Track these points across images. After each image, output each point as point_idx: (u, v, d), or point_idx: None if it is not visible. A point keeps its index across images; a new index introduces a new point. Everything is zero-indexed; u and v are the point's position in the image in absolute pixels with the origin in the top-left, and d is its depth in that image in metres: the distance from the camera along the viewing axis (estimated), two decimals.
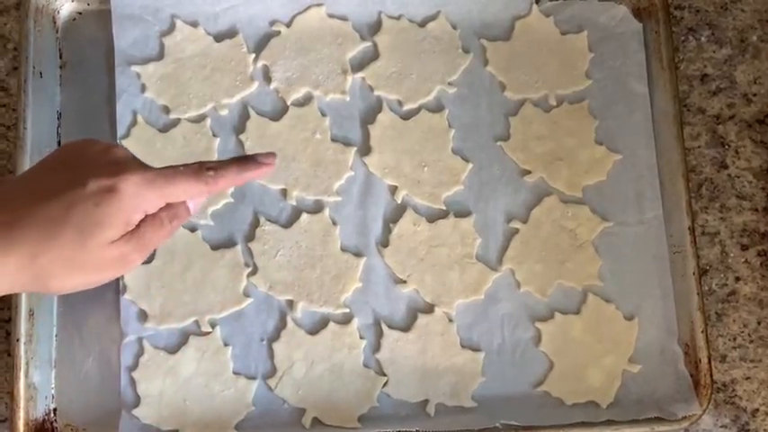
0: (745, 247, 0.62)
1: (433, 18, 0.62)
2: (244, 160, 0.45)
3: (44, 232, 0.40)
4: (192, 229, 0.58)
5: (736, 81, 0.65)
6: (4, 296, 0.56)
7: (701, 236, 0.62)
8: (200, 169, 0.44)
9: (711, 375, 0.58)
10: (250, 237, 0.58)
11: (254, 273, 0.57)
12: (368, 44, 0.62)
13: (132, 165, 0.43)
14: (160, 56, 0.60)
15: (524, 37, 0.63)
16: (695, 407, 0.57)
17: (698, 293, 0.58)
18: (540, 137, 0.61)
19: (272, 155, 0.46)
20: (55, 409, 0.55)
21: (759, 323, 0.61)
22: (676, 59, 0.63)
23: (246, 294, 0.57)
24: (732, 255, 0.62)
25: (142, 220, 0.43)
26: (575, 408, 0.57)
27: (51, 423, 0.55)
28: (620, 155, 0.61)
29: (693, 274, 0.59)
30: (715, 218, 0.63)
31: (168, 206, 0.44)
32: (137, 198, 0.42)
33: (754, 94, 0.65)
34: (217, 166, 0.44)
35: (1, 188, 0.44)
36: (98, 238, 0.41)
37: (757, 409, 0.60)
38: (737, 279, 0.62)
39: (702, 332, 0.58)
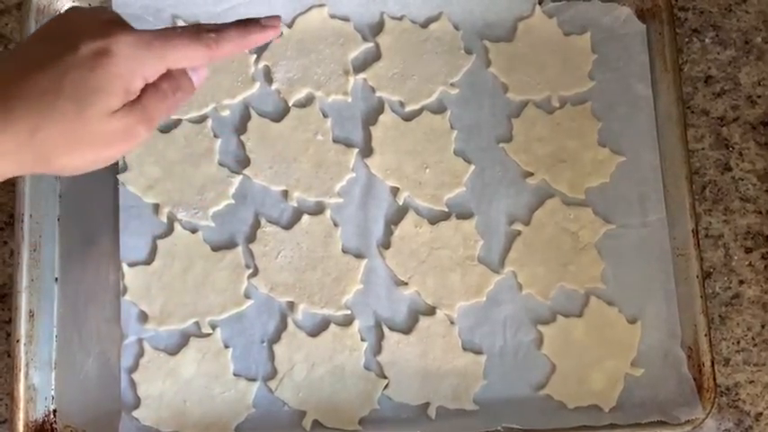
0: (749, 250, 0.62)
1: (435, 19, 0.62)
2: (246, 22, 0.42)
3: (39, 104, 0.38)
4: (193, 231, 0.58)
5: (741, 83, 0.64)
6: (5, 293, 0.56)
7: (704, 238, 0.61)
8: (200, 30, 0.41)
9: (715, 379, 0.57)
10: (251, 238, 0.58)
11: (254, 274, 0.57)
12: (370, 45, 0.61)
13: (125, 25, 0.40)
14: None
15: (527, 38, 0.62)
16: (698, 411, 0.57)
17: (701, 296, 0.58)
18: (543, 138, 0.61)
19: (276, 17, 0.43)
20: (55, 411, 0.55)
21: (763, 326, 0.61)
22: (680, 61, 0.63)
23: (247, 296, 0.57)
24: (736, 257, 0.62)
25: (143, 91, 0.40)
26: (577, 411, 0.57)
27: (51, 424, 0.55)
28: (624, 157, 0.61)
29: (697, 276, 0.58)
30: (719, 220, 0.62)
31: (170, 75, 0.41)
32: (134, 60, 0.39)
33: (759, 96, 0.64)
34: (217, 28, 0.41)
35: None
36: (97, 107, 0.38)
37: (761, 413, 0.60)
38: (741, 282, 0.62)
39: (706, 335, 0.58)
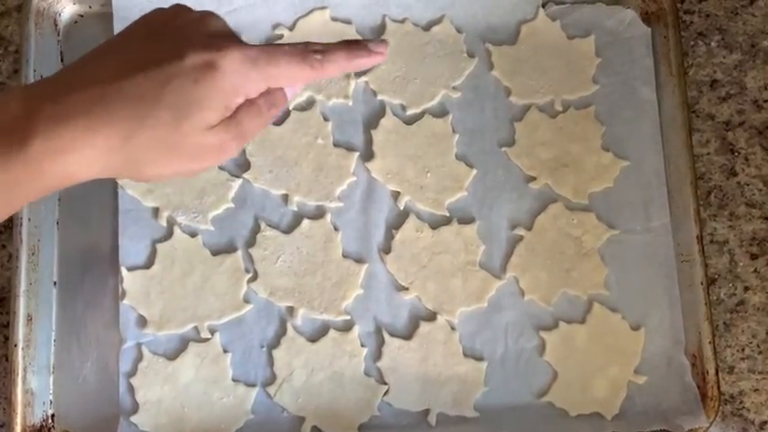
0: (754, 257, 0.61)
1: (437, 22, 0.61)
2: (354, 45, 0.40)
3: (137, 110, 0.36)
4: (193, 235, 0.57)
5: (747, 87, 0.63)
6: (3, 300, 0.56)
7: (709, 244, 0.61)
8: (307, 51, 0.39)
9: (719, 387, 0.57)
10: (251, 242, 0.57)
11: (254, 279, 0.57)
12: None
13: (233, 39, 0.39)
14: None
15: (530, 41, 0.62)
16: (702, 419, 0.56)
17: (706, 303, 0.57)
18: (546, 142, 0.61)
19: (383, 43, 0.41)
20: (53, 415, 0.55)
21: None
22: (685, 65, 0.62)
23: (246, 300, 0.57)
24: (741, 264, 0.61)
25: (240, 106, 0.39)
26: (579, 419, 0.57)
27: (49, 429, 0.54)
28: (628, 161, 0.60)
29: (701, 283, 0.58)
30: (724, 226, 0.62)
31: (267, 91, 0.40)
32: (238, 77, 0.37)
33: (765, 101, 0.63)
34: (324, 49, 0.40)
35: (85, 59, 0.39)
36: (195, 121, 0.37)
37: (765, 422, 0.59)
38: (746, 289, 0.61)
39: (710, 343, 0.57)
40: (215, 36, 0.38)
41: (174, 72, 0.36)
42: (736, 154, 0.63)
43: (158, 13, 0.40)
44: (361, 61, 0.40)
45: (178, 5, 0.41)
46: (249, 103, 0.39)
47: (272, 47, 0.39)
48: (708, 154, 0.63)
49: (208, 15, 0.40)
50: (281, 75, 0.39)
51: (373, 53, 0.41)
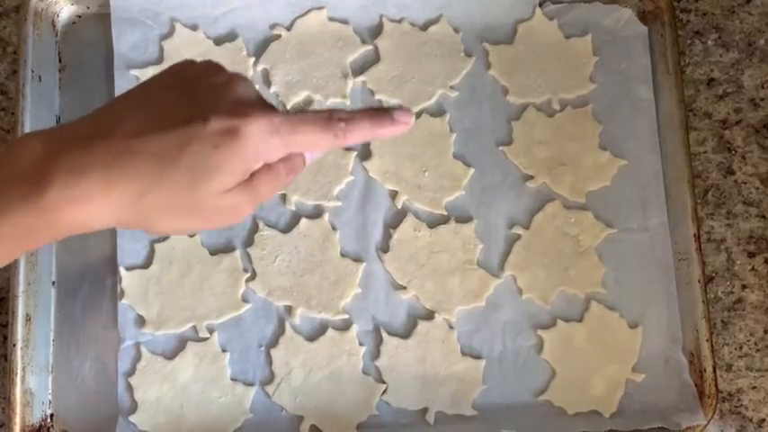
0: (751, 255, 0.61)
1: (434, 21, 0.62)
2: (378, 114, 0.40)
3: (153, 169, 0.36)
4: (191, 234, 0.57)
5: (744, 85, 0.63)
6: (2, 299, 0.56)
7: (706, 243, 0.61)
8: (331, 119, 0.39)
9: (716, 385, 0.57)
10: (249, 242, 0.58)
11: (252, 278, 0.57)
12: (369, 48, 0.61)
13: (259, 106, 0.38)
14: (159, 59, 0.59)
15: (527, 40, 0.62)
16: (700, 417, 0.56)
17: (703, 301, 0.57)
18: (543, 141, 0.61)
19: (408, 112, 0.40)
20: (52, 415, 0.55)
21: (765, 332, 0.60)
22: (682, 63, 0.62)
23: (245, 300, 0.57)
24: (738, 262, 0.61)
25: (257, 170, 0.39)
26: (577, 417, 0.57)
27: (48, 429, 0.54)
28: (625, 160, 0.61)
29: (699, 281, 0.58)
30: (721, 224, 0.62)
31: (286, 156, 0.40)
32: (260, 145, 0.37)
33: (762, 99, 0.63)
34: (348, 117, 0.39)
35: (112, 105, 0.39)
36: (211, 185, 0.37)
37: (764, 420, 0.59)
38: (744, 287, 0.61)
39: (707, 341, 0.57)
40: (241, 102, 0.38)
41: (196, 135, 0.36)
42: (734, 152, 0.63)
43: (189, 66, 0.40)
44: (384, 130, 0.40)
45: (210, 63, 0.40)
46: (268, 167, 0.39)
47: (296, 115, 0.39)
48: (705, 152, 0.63)
49: (237, 79, 0.39)
50: (303, 143, 0.39)
51: (397, 122, 0.40)
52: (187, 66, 0.40)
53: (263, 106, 0.39)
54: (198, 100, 0.37)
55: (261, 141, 0.37)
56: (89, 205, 0.35)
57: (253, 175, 0.38)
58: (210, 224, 0.39)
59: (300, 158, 0.41)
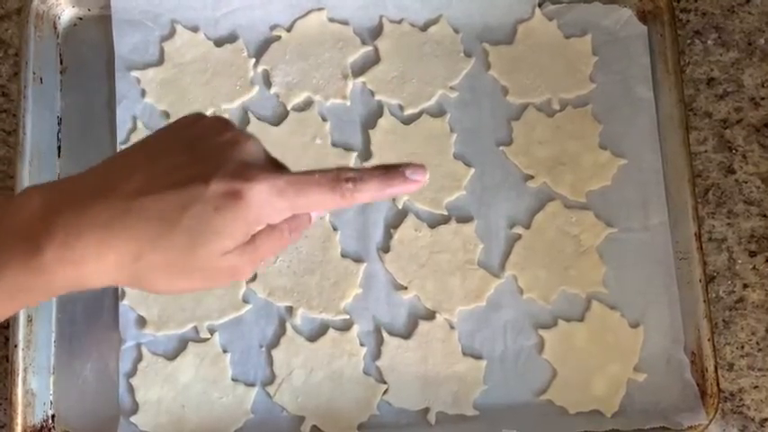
0: (753, 254, 0.61)
1: (434, 22, 0.62)
2: (388, 173, 0.38)
3: (152, 231, 0.35)
4: None
5: (744, 85, 0.63)
6: None
7: (707, 242, 0.61)
8: (338, 180, 0.37)
9: (718, 384, 0.56)
10: None
11: (253, 279, 0.57)
12: (369, 48, 0.61)
13: (264, 167, 0.37)
14: (160, 61, 0.60)
15: (527, 41, 0.62)
16: (701, 416, 0.56)
17: (704, 301, 0.57)
18: (544, 141, 0.61)
19: (421, 169, 0.38)
20: (53, 416, 0.55)
21: (767, 331, 0.60)
22: (682, 63, 0.62)
23: (245, 300, 0.57)
24: (740, 261, 0.61)
25: (259, 231, 0.37)
26: (578, 417, 0.57)
27: (49, 429, 0.54)
28: (625, 160, 0.60)
29: (700, 281, 0.58)
30: (722, 224, 0.62)
31: (292, 216, 0.38)
32: (264, 208, 0.36)
33: (762, 98, 0.63)
34: (357, 177, 0.37)
35: (114, 161, 0.38)
36: (210, 248, 0.36)
37: (766, 419, 0.59)
38: (745, 286, 0.61)
39: (709, 340, 0.57)
40: (246, 164, 0.36)
41: (197, 197, 0.35)
42: (734, 151, 0.63)
43: (195, 121, 0.39)
44: (395, 189, 0.38)
45: (217, 120, 0.39)
46: (270, 227, 0.38)
47: (302, 176, 0.37)
48: (705, 152, 0.63)
49: (245, 139, 0.38)
50: (309, 205, 0.37)
51: (409, 181, 0.38)
52: (193, 121, 0.39)
53: (268, 168, 0.37)
54: (201, 160, 0.36)
55: (264, 205, 0.36)
56: (85, 266, 0.35)
57: (255, 235, 0.37)
58: (209, 285, 0.38)
59: (306, 217, 0.40)
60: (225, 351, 0.56)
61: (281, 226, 0.38)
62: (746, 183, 0.62)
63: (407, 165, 0.39)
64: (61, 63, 0.60)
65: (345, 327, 0.57)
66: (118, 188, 0.35)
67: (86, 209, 0.35)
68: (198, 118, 0.39)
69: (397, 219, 0.59)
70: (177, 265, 0.36)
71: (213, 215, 0.35)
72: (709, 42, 0.64)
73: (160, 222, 0.35)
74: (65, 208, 0.35)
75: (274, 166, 0.38)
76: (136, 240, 0.35)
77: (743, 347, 0.60)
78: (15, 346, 0.54)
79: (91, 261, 0.35)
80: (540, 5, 0.62)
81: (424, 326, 0.57)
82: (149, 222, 0.35)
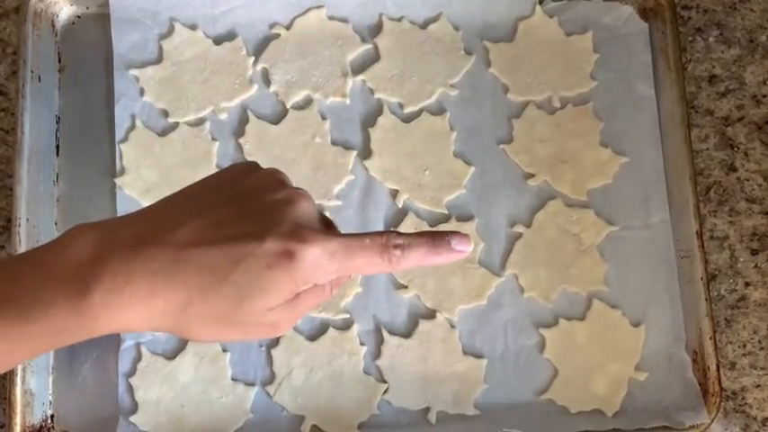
0: (755, 252, 0.61)
1: (434, 20, 0.61)
2: (434, 242, 0.38)
3: (202, 281, 0.35)
4: None
5: (746, 82, 0.63)
6: None
7: (709, 240, 0.60)
8: (387, 246, 0.38)
9: (720, 383, 0.56)
10: None
11: None
12: (368, 46, 0.61)
13: (316, 229, 0.37)
14: (159, 59, 0.59)
15: (528, 38, 0.62)
16: (703, 415, 0.56)
17: (706, 299, 0.57)
18: (544, 139, 0.60)
19: (466, 239, 0.39)
20: (52, 416, 0.55)
21: None
22: (683, 60, 0.62)
23: None
24: (742, 259, 0.61)
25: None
26: (579, 416, 0.56)
27: (48, 429, 0.54)
28: (626, 158, 0.60)
29: (702, 279, 0.57)
30: (724, 222, 0.61)
31: None
32: (314, 270, 0.36)
33: (764, 96, 0.63)
34: (405, 244, 0.38)
35: (166, 206, 0.38)
36: (257, 303, 0.36)
37: None
38: (747, 284, 0.60)
39: (711, 339, 0.57)
40: (300, 224, 0.37)
41: (250, 252, 0.35)
42: (736, 149, 0.62)
43: (249, 172, 0.39)
44: (440, 259, 0.38)
45: (273, 175, 0.39)
46: (315, 285, 0.38)
47: (354, 240, 0.37)
48: (707, 149, 0.62)
49: (299, 197, 0.38)
50: (356, 268, 0.38)
51: (454, 251, 0.38)
52: (246, 172, 0.39)
53: (321, 229, 0.37)
54: (256, 216, 0.36)
55: (315, 267, 0.36)
56: (132, 311, 0.35)
57: (299, 293, 0.37)
58: (249, 337, 0.38)
59: (347, 275, 0.40)
60: (224, 350, 0.56)
61: (325, 284, 0.39)
62: (748, 180, 0.62)
63: (453, 234, 0.39)
64: (59, 61, 0.59)
65: (345, 326, 0.57)
66: (169, 236, 0.35)
67: (137, 254, 0.35)
68: (252, 169, 0.39)
69: (397, 217, 0.59)
70: (222, 317, 0.36)
71: (264, 272, 0.35)
72: (710, 39, 0.64)
73: (211, 274, 0.35)
74: (115, 251, 0.35)
75: (326, 226, 0.39)
76: (186, 290, 0.35)
77: (745, 346, 0.60)
78: None
79: (138, 307, 0.35)
80: (540, 3, 0.62)
81: (424, 325, 0.57)
82: (200, 273, 0.35)
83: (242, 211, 0.37)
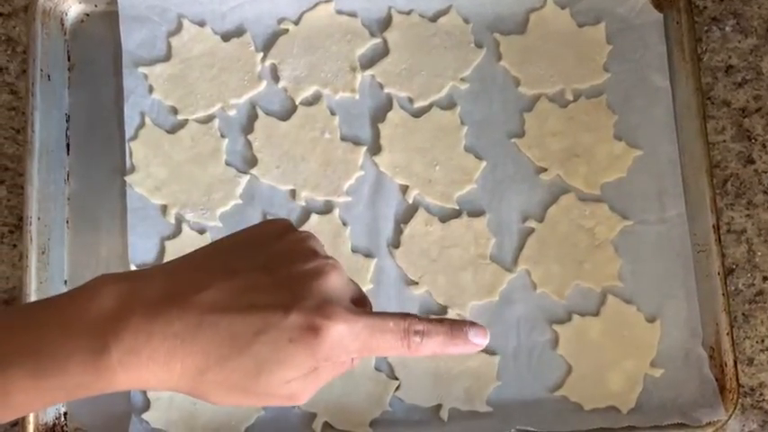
0: None
1: (444, 12, 0.61)
2: (453, 332, 0.38)
3: (222, 350, 0.35)
4: (201, 231, 0.57)
5: (763, 72, 0.62)
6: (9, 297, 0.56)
7: (726, 234, 0.59)
8: (408, 332, 0.37)
9: (738, 379, 0.55)
10: None
11: None
12: (377, 41, 0.60)
13: (344, 307, 0.37)
14: (167, 56, 0.59)
15: (539, 30, 0.61)
16: (720, 412, 0.55)
17: (723, 294, 0.56)
18: (557, 133, 0.60)
19: (483, 332, 0.39)
20: (65, 413, 0.55)
21: None
22: (699, 51, 0.61)
23: None
24: (759, 253, 0.60)
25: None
26: (594, 413, 0.56)
27: (62, 427, 0.55)
28: (641, 150, 0.59)
29: (718, 273, 0.56)
30: (741, 215, 0.60)
31: None
32: (336, 348, 0.36)
33: None
34: (425, 331, 0.38)
35: (191, 264, 0.37)
36: (275, 376, 0.35)
37: None
38: (765, 278, 0.59)
39: (728, 334, 0.56)
40: (328, 300, 0.36)
41: (273, 324, 0.35)
42: (753, 141, 0.61)
43: (282, 235, 0.38)
44: (456, 349, 0.38)
45: (306, 241, 0.38)
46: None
47: (378, 321, 0.37)
48: (724, 141, 0.61)
49: (330, 270, 0.37)
50: (377, 349, 0.37)
51: (470, 343, 0.38)
52: (279, 234, 0.38)
53: (349, 306, 0.37)
54: (283, 286, 0.36)
55: (337, 345, 0.36)
56: (149, 372, 0.34)
57: (317, 367, 0.37)
58: (263, 404, 0.38)
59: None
60: None
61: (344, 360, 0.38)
62: (766, 173, 0.61)
63: (472, 325, 0.39)
64: (69, 60, 0.59)
65: None
66: (192, 298, 0.35)
67: (158, 315, 0.34)
68: (284, 230, 0.39)
69: (407, 213, 0.58)
70: (239, 386, 0.36)
71: (286, 345, 0.35)
72: (726, 29, 0.62)
73: (231, 343, 0.35)
74: (137, 308, 0.34)
75: (358, 300, 0.38)
76: (204, 356, 0.34)
77: (763, 341, 0.59)
78: None
79: (156, 369, 0.34)
80: None
81: None
82: (221, 341, 0.34)
83: (269, 279, 0.36)
